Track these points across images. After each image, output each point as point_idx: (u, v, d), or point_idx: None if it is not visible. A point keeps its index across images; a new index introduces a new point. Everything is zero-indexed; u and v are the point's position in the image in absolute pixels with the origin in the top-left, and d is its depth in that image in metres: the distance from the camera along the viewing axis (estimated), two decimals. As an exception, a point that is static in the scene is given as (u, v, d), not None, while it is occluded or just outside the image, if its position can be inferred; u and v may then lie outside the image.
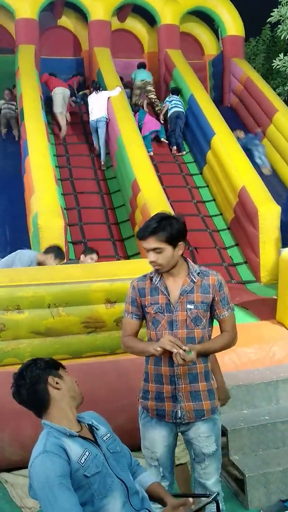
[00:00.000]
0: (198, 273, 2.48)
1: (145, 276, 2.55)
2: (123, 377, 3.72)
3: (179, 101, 9.64)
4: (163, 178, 8.40)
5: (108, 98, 8.92)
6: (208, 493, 2.47)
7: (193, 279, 2.46)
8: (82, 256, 5.40)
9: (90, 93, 9.42)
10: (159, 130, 9.57)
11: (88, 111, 9.19)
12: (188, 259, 2.55)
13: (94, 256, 5.52)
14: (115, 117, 8.56)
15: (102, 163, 8.95)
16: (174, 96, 9.76)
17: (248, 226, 7.17)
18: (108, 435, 2.08)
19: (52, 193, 6.61)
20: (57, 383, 2.04)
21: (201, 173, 8.92)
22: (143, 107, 10.15)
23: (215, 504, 2.44)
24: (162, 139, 9.58)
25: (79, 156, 9.11)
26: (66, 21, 11.98)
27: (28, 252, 5.13)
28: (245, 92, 10.29)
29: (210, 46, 12.42)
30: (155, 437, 2.50)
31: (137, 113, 9.44)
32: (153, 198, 6.88)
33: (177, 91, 9.86)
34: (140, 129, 8.99)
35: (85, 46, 11.42)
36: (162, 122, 9.85)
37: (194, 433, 2.48)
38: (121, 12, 11.77)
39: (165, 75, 10.82)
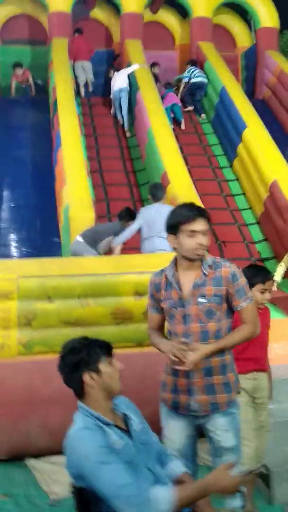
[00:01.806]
0: (210, 265, 2.45)
1: (162, 270, 2.56)
2: (149, 370, 3.75)
3: (200, 71, 10.09)
4: (192, 171, 8.36)
5: (128, 75, 9.46)
6: None
7: (205, 272, 2.44)
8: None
9: (113, 74, 9.90)
10: (178, 106, 9.78)
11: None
12: None
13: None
14: (146, 109, 8.56)
15: (127, 129, 9.42)
16: (193, 67, 10.20)
17: (279, 220, 7.09)
18: (140, 426, 2.10)
19: (84, 185, 6.68)
20: (92, 378, 2.00)
21: (231, 166, 8.85)
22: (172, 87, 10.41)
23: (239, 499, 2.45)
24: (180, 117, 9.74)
25: (109, 148, 9.16)
26: (98, 13, 11.99)
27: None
28: (279, 84, 10.14)
29: (242, 38, 12.24)
30: (174, 428, 2.52)
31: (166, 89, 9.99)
32: (183, 191, 6.88)
33: (195, 61, 10.39)
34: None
35: (117, 38, 11.42)
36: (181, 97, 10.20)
37: (212, 426, 2.48)
38: (153, 4, 11.71)
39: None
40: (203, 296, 2.42)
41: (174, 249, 2.48)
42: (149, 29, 11.46)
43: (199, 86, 9.99)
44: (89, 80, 10.56)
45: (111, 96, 9.67)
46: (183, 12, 11.69)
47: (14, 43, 11.36)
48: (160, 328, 2.63)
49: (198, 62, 10.59)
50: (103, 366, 2.02)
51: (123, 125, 9.52)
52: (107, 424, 1.98)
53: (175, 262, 2.51)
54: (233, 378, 2.51)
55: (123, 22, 10.75)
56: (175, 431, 2.52)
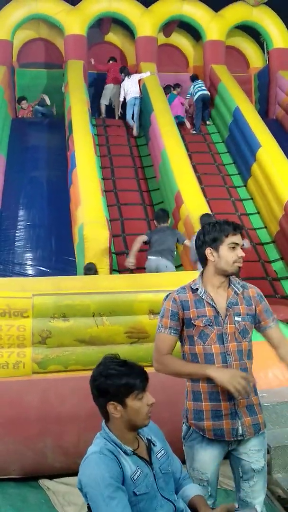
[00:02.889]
0: (241, 285, 2.47)
1: (183, 288, 2.44)
2: (164, 390, 3.71)
3: (202, 84, 10.52)
4: (206, 190, 8.39)
5: (139, 81, 10.03)
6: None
7: (237, 291, 2.43)
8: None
9: (123, 79, 10.40)
10: (181, 117, 10.23)
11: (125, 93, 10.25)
12: None
13: None
14: (160, 131, 8.65)
15: (135, 133, 10.01)
16: (195, 81, 10.62)
17: (294, 239, 7.06)
18: (163, 451, 2.05)
19: (98, 204, 6.73)
20: (116, 409, 1.93)
21: (245, 186, 8.86)
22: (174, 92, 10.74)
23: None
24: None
25: (123, 168, 9.24)
26: (113, 37, 12.24)
27: None
28: (292, 104, 10.20)
29: (255, 59, 12.39)
30: (206, 459, 2.38)
31: (168, 94, 10.26)
32: (196, 210, 6.87)
33: (196, 76, 10.87)
34: None
35: (132, 61, 11.61)
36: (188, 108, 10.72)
37: (244, 447, 2.39)
38: (167, 28, 11.92)
39: (210, 89, 10.87)
40: (238, 315, 2.40)
41: (205, 264, 2.42)
42: (163, 52, 11.66)
43: (203, 99, 10.27)
44: (117, 105, 10.77)
45: (123, 99, 10.11)
46: (196, 35, 11.87)
47: (30, 66, 11.62)
48: (171, 353, 2.42)
49: (212, 82, 10.76)
50: (131, 400, 1.93)
51: (131, 128, 9.99)
52: (126, 453, 1.93)
53: (201, 280, 2.45)
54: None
55: (138, 45, 10.95)
56: (208, 461, 2.38)
